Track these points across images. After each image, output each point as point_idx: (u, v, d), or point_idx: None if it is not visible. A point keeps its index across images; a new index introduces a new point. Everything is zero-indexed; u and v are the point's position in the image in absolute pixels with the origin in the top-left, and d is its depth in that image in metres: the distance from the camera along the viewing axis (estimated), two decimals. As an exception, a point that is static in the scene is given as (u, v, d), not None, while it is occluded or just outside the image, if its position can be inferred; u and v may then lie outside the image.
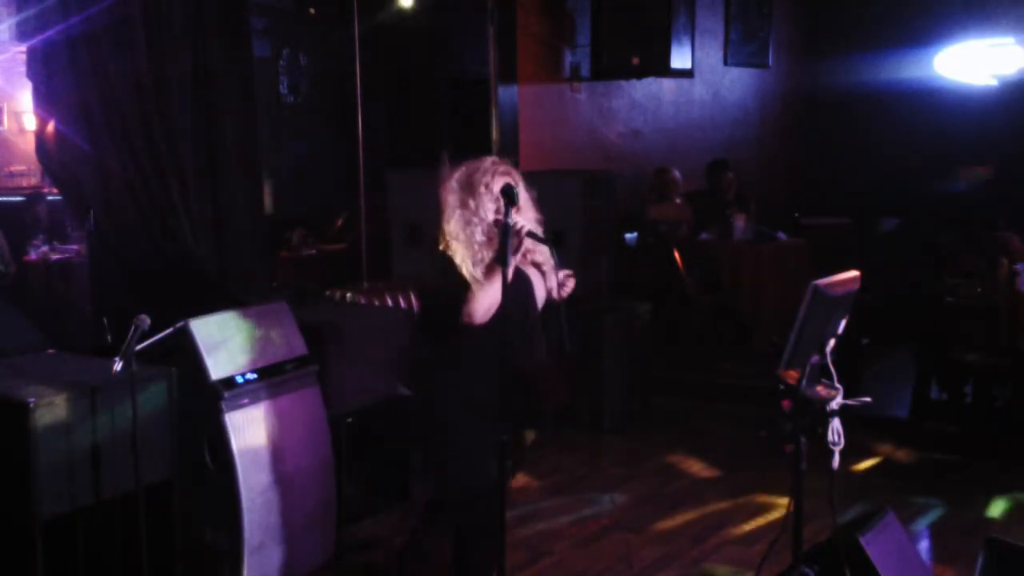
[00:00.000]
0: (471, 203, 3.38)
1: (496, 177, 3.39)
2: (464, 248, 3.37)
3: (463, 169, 3.46)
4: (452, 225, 3.39)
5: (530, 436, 3.68)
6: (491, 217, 3.37)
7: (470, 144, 7.61)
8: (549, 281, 3.53)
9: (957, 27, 9.66)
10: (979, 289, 6.24)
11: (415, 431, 3.55)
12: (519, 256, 3.32)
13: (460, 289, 3.31)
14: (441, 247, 3.41)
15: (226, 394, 3.96)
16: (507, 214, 3.14)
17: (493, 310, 3.29)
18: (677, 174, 8.42)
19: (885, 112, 9.95)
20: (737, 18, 9.54)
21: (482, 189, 3.38)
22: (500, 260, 3.14)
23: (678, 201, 8.46)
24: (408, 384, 3.57)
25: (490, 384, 3.24)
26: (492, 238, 3.39)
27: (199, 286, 4.88)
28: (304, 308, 4.72)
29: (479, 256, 3.36)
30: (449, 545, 3.65)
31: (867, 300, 6.03)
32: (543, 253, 3.49)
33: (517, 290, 3.36)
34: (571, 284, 3.47)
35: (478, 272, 3.33)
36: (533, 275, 3.53)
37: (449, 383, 3.42)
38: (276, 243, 8.01)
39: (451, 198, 3.42)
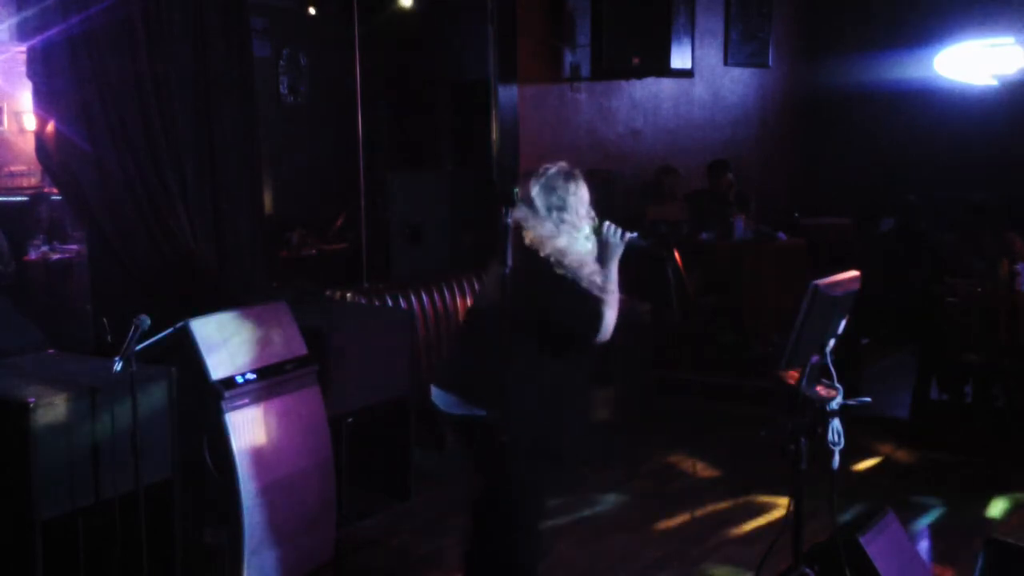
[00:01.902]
0: (566, 216, 3.29)
1: (580, 183, 3.33)
2: (578, 264, 3.28)
3: (538, 185, 3.33)
4: (560, 243, 3.27)
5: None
6: (586, 225, 3.32)
7: (470, 144, 7.62)
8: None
9: (957, 27, 9.66)
10: (979, 289, 6.24)
11: (492, 443, 3.40)
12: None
13: (593, 304, 3.24)
14: (556, 270, 3.28)
15: (226, 394, 3.96)
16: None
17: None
18: (680, 173, 8.41)
19: (885, 112, 9.95)
20: (737, 18, 9.53)
21: (571, 199, 3.31)
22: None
23: (678, 200, 8.46)
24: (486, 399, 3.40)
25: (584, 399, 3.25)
26: (591, 247, 3.34)
27: (199, 286, 4.88)
28: (304, 308, 4.72)
29: (593, 268, 3.30)
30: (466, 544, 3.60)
31: (867, 300, 6.04)
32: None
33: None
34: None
35: (601, 284, 3.28)
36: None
37: (557, 400, 3.32)
38: (276, 243, 8.00)
39: (546, 221, 3.28)
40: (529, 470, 3.31)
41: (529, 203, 3.30)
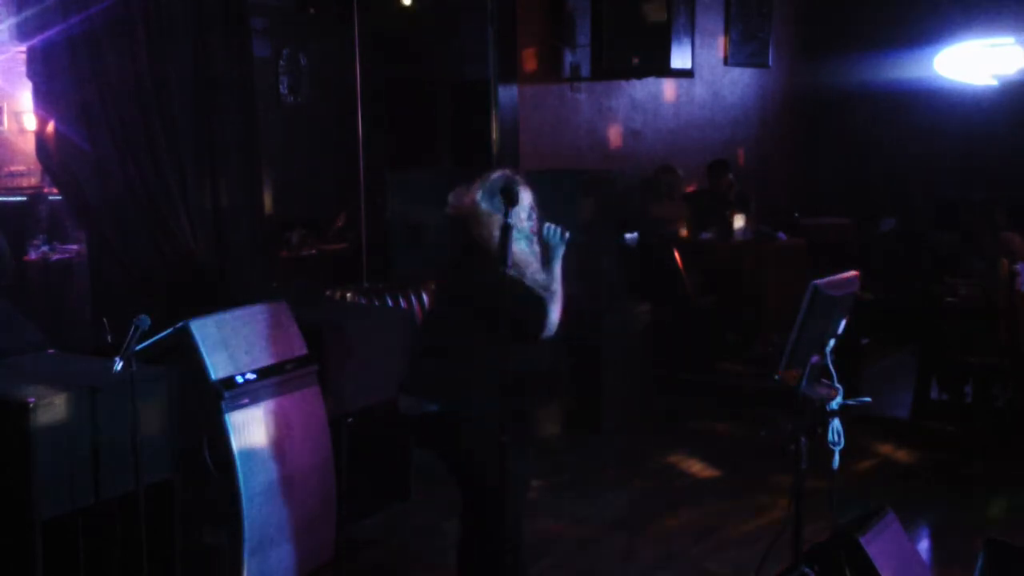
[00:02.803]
0: (508, 220, 3.35)
1: (522, 187, 3.42)
2: (522, 263, 3.40)
3: (478, 190, 3.47)
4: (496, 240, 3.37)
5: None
6: (528, 226, 3.44)
7: (470, 144, 7.61)
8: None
9: (957, 27, 9.66)
10: (979, 289, 6.24)
11: (452, 440, 3.49)
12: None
13: (537, 302, 3.36)
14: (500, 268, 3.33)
15: (226, 394, 3.96)
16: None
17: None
18: (680, 173, 8.42)
19: (885, 112, 9.95)
20: (737, 18, 9.52)
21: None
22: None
23: (677, 201, 8.46)
24: (422, 391, 3.52)
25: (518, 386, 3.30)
26: (536, 248, 3.47)
27: (199, 286, 4.88)
28: (304, 308, 4.72)
29: (536, 267, 3.43)
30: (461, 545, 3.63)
31: (867, 300, 6.06)
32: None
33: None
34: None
35: (545, 281, 3.39)
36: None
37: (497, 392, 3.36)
38: (276, 243, 8.00)
39: (488, 219, 3.42)
40: (491, 457, 3.35)
41: (473, 206, 3.46)
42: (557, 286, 3.41)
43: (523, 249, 3.43)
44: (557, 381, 3.64)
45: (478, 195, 3.47)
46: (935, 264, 6.95)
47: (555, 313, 3.42)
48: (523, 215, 3.43)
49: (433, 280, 4.00)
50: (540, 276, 3.44)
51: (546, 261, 3.40)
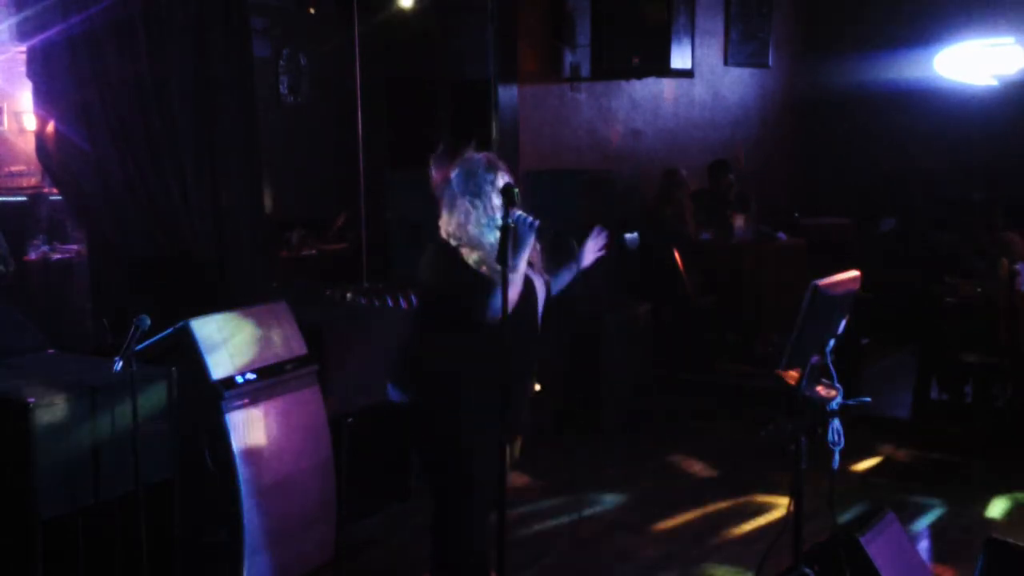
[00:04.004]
0: (478, 203, 3.38)
1: (499, 174, 3.39)
2: (478, 247, 3.37)
3: (459, 169, 3.45)
4: (464, 225, 3.38)
5: (519, 440, 3.68)
6: (498, 215, 3.35)
7: (470, 144, 7.60)
8: (544, 278, 3.55)
9: (957, 27, 9.66)
10: (979, 289, 6.24)
11: (416, 430, 3.51)
12: (527, 252, 3.31)
13: (477, 286, 3.29)
14: (446, 243, 3.40)
15: (226, 394, 3.96)
16: (508, 214, 3.14)
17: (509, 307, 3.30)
18: (683, 174, 8.41)
19: (885, 112, 9.95)
20: (737, 18, 9.53)
21: (488, 188, 3.37)
22: (500, 260, 3.13)
23: (679, 201, 8.46)
24: (406, 383, 3.54)
25: (492, 385, 3.24)
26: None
27: (199, 286, 4.88)
28: (304, 308, 4.72)
29: (488, 251, 3.36)
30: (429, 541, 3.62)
31: (867, 300, 6.05)
32: (535, 252, 3.50)
33: (526, 289, 3.38)
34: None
35: (501, 269, 3.32)
36: (531, 273, 3.53)
37: (456, 382, 3.40)
38: (276, 243, 8.00)
39: (457, 199, 3.40)
40: (455, 449, 3.39)
41: (447, 184, 3.44)
42: (517, 274, 3.26)
43: (480, 234, 3.38)
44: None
45: (453, 173, 3.44)
46: (935, 264, 6.94)
47: (500, 298, 3.23)
48: (495, 201, 3.36)
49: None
50: (490, 259, 3.34)
51: (515, 247, 3.24)
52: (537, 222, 3.28)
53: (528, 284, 3.44)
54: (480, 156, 3.47)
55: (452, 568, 3.51)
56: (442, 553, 3.51)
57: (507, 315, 3.14)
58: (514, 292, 3.26)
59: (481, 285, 3.28)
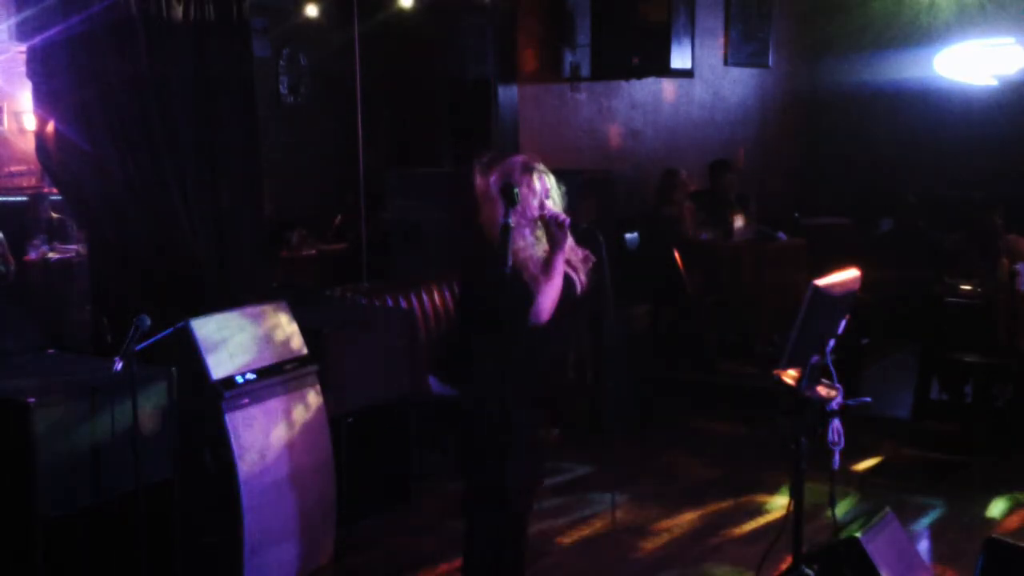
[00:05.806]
0: (516, 208, 3.33)
1: (535, 175, 3.39)
2: (526, 255, 3.36)
3: (497, 172, 3.42)
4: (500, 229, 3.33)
5: (553, 433, 3.69)
6: (535, 215, 3.38)
7: (470, 144, 7.61)
8: (581, 277, 3.53)
9: (957, 27, 9.66)
10: (979, 289, 6.24)
11: (456, 426, 3.50)
12: (564, 251, 3.35)
13: (524, 288, 3.31)
14: (487, 246, 3.37)
15: (226, 394, 3.96)
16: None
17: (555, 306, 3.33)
18: (684, 175, 8.42)
19: (885, 112, 9.95)
20: (737, 18, 9.53)
21: (524, 189, 3.35)
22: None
23: (680, 201, 8.46)
24: (446, 378, 3.55)
25: (531, 382, 3.28)
26: (540, 235, 3.42)
27: (199, 286, 4.88)
28: (304, 308, 4.72)
29: (531, 254, 3.37)
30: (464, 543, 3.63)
31: (867, 300, 6.05)
32: (573, 249, 3.49)
33: (566, 289, 3.40)
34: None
35: (538, 270, 3.35)
36: (570, 271, 3.51)
37: (498, 379, 3.35)
38: (276, 243, 8.00)
39: (496, 207, 3.36)
40: (492, 452, 3.36)
41: (486, 187, 3.41)
42: (556, 275, 3.32)
43: (520, 236, 3.35)
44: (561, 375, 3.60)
45: (492, 178, 3.41)
46: (934, 264, 6.94)
47: (545, 301, 3.32)
48: (533, 203, 3.36)
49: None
50: (531, 264, 3.36)
51: (551, 248, 3.33)
52: (568, 220, 3.29)
53: (568, 284, 3.44)
54: (517, 159, 3.47)
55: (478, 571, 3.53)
56: (469, 557, 3.55)
57: (514, 317, 3.15)
58: (554, 293, 3.30)
59: (520, 289, 3.30)
